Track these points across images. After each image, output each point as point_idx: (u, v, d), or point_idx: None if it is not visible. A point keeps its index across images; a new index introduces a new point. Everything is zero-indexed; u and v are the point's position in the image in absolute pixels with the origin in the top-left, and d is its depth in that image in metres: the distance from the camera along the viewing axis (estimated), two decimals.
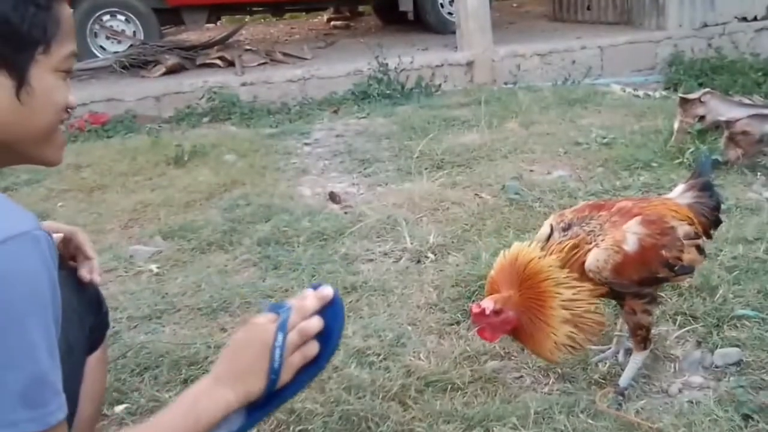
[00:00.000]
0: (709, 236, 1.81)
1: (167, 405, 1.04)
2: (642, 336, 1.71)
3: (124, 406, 1.78)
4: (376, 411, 1.68)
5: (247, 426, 1.01)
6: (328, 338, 1.02)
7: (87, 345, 1.18)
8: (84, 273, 1.19)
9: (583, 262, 1.60)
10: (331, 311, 1.03)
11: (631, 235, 1.62)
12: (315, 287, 1.05)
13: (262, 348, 0.98)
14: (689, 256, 1.69)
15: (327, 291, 1.03)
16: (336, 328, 1.03)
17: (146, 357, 1.97)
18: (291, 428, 1.65)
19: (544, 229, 1.73)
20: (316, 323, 1.01)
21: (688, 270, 1.74)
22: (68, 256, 1.21)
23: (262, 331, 1.00)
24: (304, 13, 9.63)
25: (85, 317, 1.18)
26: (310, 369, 1.03)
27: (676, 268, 1.68)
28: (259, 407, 1.01)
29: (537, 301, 1.58)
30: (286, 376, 1.00)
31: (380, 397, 1.74)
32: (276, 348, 0.98)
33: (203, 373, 1.89)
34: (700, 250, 1.74)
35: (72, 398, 1.10)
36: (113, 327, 2.16)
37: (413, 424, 1.66)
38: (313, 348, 1.02)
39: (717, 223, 1.84)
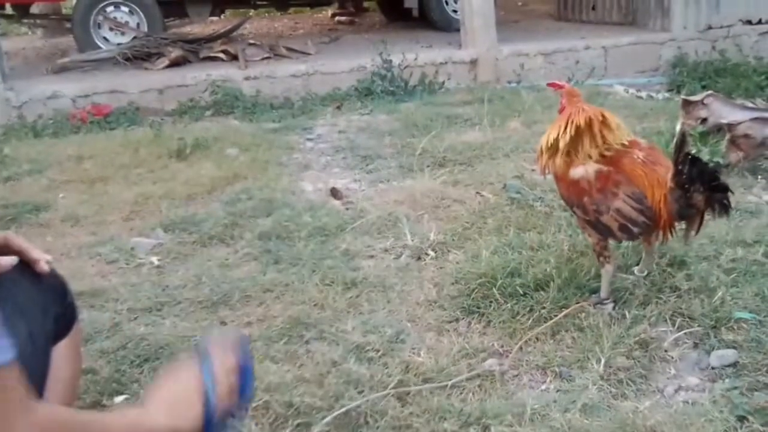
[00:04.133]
0: (672, 227, 1.98)
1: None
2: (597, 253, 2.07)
3: (123, 397, 1.79)
4: (374, 406, 1.70)
5: None
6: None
7: (52, 333, 1.24)
8: (42, 266, 1.24)
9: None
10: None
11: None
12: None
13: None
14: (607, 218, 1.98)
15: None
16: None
17: (146, 349, 1.99)
18: (290, 422, 1.67)
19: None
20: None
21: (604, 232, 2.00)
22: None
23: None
24: (308, 8, 9.59)
25: (49, 307, 1.24)
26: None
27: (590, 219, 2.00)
28: None
29: None
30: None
31: (379, 392, 1.75)
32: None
33: None
34: (625, 229, 1.97)
35: (38, 382, 1.15)
36: (113, 318, 2.18)
37: (411, 420, 1.67)
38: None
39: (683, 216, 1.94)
